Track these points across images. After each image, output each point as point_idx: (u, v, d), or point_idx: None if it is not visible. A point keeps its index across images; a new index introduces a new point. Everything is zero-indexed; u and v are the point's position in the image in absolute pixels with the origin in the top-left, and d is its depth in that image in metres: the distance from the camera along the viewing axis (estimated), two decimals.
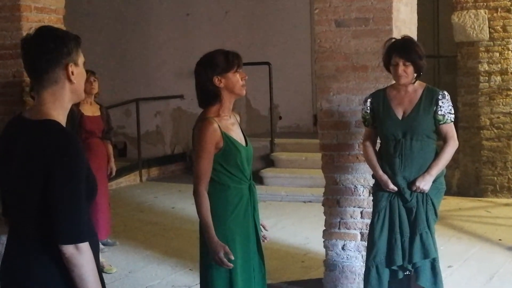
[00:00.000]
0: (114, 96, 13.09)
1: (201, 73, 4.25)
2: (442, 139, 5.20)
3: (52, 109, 2.77)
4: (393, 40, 5.31)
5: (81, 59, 2.84)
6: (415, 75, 5.12)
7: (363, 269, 5.70)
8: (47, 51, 2.76)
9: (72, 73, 2.78)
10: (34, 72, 2.81)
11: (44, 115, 2.76)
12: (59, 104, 2.80)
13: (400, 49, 5.11)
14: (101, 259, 7.15)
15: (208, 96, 4.26)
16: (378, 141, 5.40)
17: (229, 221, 4.20)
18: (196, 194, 4.14)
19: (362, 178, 5.94)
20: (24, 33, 2.88)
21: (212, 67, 4.21)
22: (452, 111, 5.17)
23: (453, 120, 5.19)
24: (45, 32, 2.83)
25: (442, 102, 5.10)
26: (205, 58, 4.28)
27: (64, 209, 2.65)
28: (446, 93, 5.18)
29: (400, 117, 5.15)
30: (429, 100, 5.12)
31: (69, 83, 2.79)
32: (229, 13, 13.65)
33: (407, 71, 5.06)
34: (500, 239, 8.01)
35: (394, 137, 5.14)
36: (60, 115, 2.79)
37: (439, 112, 5.09)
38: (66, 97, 2.81)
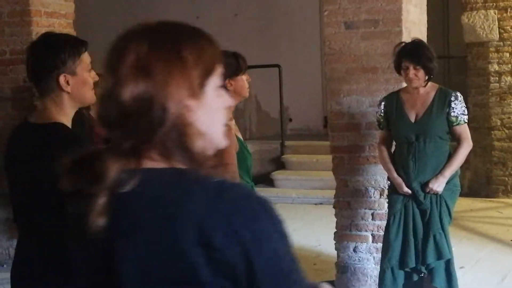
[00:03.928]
0: None
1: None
2: (456, 140, 5.20)
3: (56, 113, 2.79)
4: (403, 44, 5.31)
5: (81, 67, 2.82)
6: (426, 77, 5.12)
7: (375, 271, 5.70)
8: (38, 61, 2.77)
9: (68, 83, 2.77)
10: (32, 79, 2.84)
11: (49, 119, 2.77)
12: (61, 111, 2.80)
13: (410, 53, 5.11)
14: None
15: None
16: (394, 143, 5.41)
17: None
18: None
19: (373, 180, 5.93)
20: (35, 38, 2.89)
21: (224, 70, 4.12)
22: (466, 112, 5.17)
23: (466, 121, 5.19)
24: (43, 40, 2.84)
25: (455, 104, 5.10)
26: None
27: None
28: (459, 94, 5.17)
29: (413, 120, 5.16)
30: (442, 102, 5.12)
31: (65, 92, 2.79)
32: (238, 16, 13.66)
33: (418, 75, 5.07)
34: None
35: (407, 139, 5.14)
36: (64, 120, 2.80)
37: (452, 114, 5.09)
38: (65, 104, 2.81)
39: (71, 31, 7.29)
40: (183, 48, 1.52)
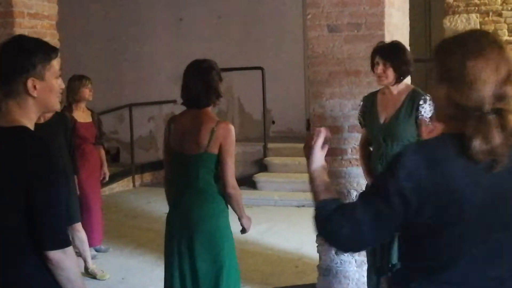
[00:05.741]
0: (107, 101, 13.08)
1: (214, 73, 4.60)
2: None
3: (19, 116, 2.77)
4: (381, 43, 5.33)
5: (50, 73, 2.80)
6: (396, 78, 5.10)
7: (357, 274, 5.73)
8: (8, 63, 2.76)
9: (35, 87, 2.75)
10: None
11: (12, 122, 2.76)
12: (25, 114, 2.78)
13: (382, 50, 5.12)
14: (93, 265, 7.15)
15: (216, 97, 4.63)
16: None
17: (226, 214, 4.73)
18: (237, 188, 4.63)
19: (355, 182, 5.95)
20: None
21: (218, 73, 4.62)
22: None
23: None
24: (15, 42, 2.82)
25: (423, 107, 5.05)
26: (213, 63, 4.65)
27: (49, 216, 2.68)
28: (428, 97, 5.12)
29: (382, 121, 5.15)
30: (411, 104, 5.08)
31: (30, 97, 2.77)
32: (222, 18, 13.66)
33: (386, 72, 5.06)
34: None
35: (377, 140, 5.16)
36: (28, 123, 2.79)
37: (420, 117, 5.07)
38: (29, 108, 2.79)
39: (54, 32, 7.29)
40: None
